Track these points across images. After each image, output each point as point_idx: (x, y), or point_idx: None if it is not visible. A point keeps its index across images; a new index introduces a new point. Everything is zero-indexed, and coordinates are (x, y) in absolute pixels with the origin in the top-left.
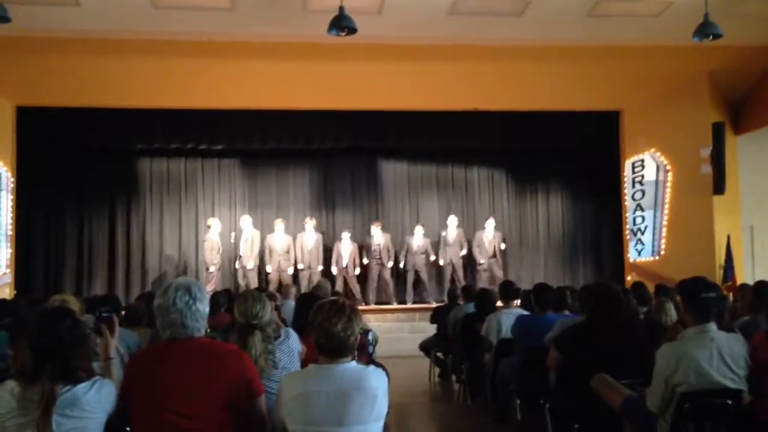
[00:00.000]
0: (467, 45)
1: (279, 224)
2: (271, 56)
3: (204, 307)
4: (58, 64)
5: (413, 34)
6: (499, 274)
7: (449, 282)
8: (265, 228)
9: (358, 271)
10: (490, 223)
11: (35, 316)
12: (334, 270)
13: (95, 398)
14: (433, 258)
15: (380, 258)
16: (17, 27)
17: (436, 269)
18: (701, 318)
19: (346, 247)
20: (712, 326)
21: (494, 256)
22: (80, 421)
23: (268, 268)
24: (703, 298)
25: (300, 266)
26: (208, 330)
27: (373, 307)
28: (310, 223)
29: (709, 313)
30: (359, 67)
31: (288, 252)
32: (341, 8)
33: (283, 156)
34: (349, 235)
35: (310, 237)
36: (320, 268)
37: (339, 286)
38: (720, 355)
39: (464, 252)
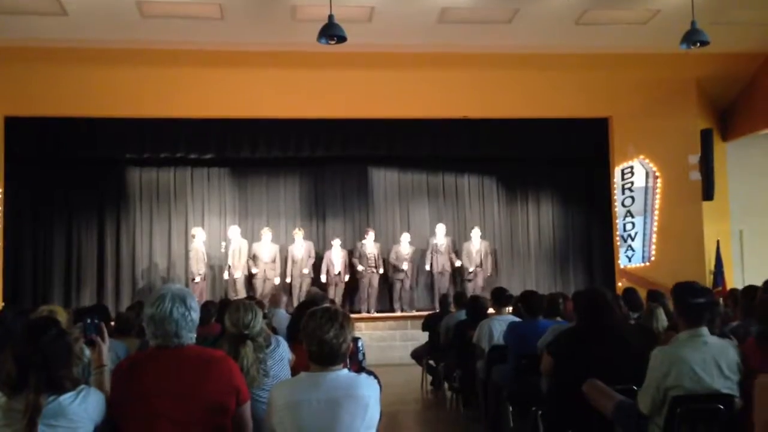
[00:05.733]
0: (457, 53)
1: (266, 233)
2: (261, 65)
3: (197, 317)
4: (46, 74)
5: (403, 42)
6: (479, 284)
7: (439, 290)
8: (255, 237)
9: (347, 278)
10: (476, 233)
11: (20, 327)
12: (323, 278)
13: (81, 408)
14: (427, 266)
15: (374, 266)
16: (4, 37)
17: (426, 277)
18: (692, 322)
19: (336, 255)
20: (705, 330)
21: (480, 265)
22: (66, 431)
23: (253, 270)
24: (692, 303)
25: (287, 279)
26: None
27: (364, 315)
28: (299, 234)
29: (701, 318)
30: (349, 76)
31: (274, 261)
32: (330, 17)
33: (273, 165)
34: (340, 243)
35: (299, 248)
36: (310, 274)
37: (331, 294)
38: (714, 360)
39: (458, 264)
